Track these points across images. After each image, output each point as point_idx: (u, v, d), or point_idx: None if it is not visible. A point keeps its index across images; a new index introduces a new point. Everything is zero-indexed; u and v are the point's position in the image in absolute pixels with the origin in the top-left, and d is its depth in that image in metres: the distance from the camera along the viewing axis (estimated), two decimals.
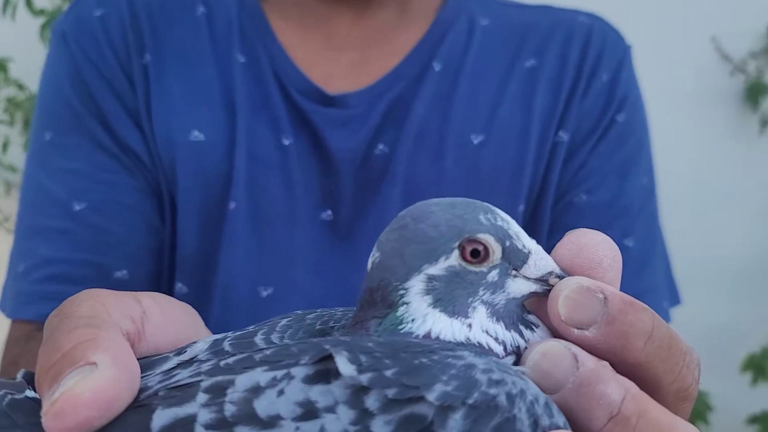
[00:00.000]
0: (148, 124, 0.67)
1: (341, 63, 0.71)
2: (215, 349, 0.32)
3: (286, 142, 0.68)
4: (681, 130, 1.64)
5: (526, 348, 0.33)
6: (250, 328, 0.35)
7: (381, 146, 0.68)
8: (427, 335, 0.33)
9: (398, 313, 0.34)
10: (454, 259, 0.34)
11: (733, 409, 1.68)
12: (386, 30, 0.72)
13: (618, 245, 0.34)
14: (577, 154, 0.71)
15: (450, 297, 0.34)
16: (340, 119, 0.68)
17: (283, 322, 0.36)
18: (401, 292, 0.34)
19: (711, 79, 1.68)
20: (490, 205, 0.36)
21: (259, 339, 0.34)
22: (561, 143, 0.70)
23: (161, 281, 0.70)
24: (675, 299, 0.75)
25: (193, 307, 0.38)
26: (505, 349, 0.33)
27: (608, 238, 0.33)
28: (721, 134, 1.71)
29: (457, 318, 0.34)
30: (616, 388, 0.29)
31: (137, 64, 0.68)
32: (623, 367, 0.30)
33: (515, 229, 0.35)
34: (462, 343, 0.33)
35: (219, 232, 0.67)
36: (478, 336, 0.33)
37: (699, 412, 1.62)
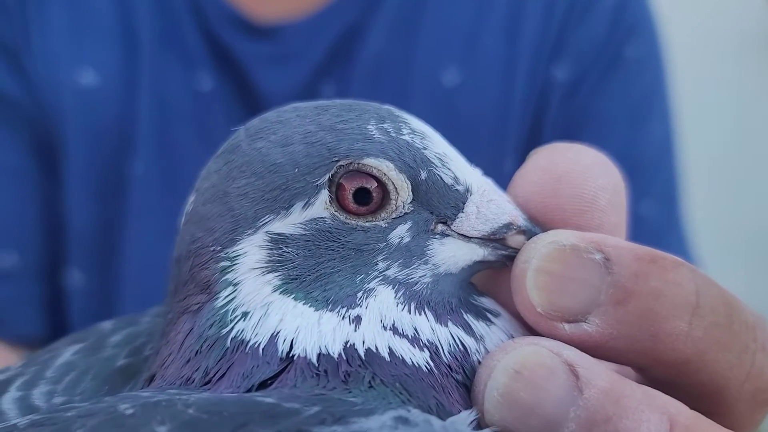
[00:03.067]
0: (28, 63, 0.57)
1: None
2: None
3: (205, 85, 0.58)
4: (722, 79, 1.59)
5: (478, 360, 0.20)
6: (11, 371, 0.22)
7: (327, 87, 0.59)
8: (272, 343, 0.20)
9: (218, 303, 0.20)
10: (320, 206, 0.20)
11: None
12: None
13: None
14: (576, 95, 0.61)
15: (316, 274, 0.20)
16: (273, 56, 0.58)
17: (67, 356, 0.23)
18: (224, 264, 0.20)
19: (755, 24, 1.61)
20: (392, 108, 0.22)
21: (8, 403, 0.20)
22: (555, 81, 0.60)
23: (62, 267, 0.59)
24: None
25: (97, 301, 0.26)
26: (435, 356, 0.20)
27: (602, 155, 0.22)
28: (765, 83, 1.64)
29: (331, 309, 0.20)
30: (655, 420, 0.18)
31: None
32: (658, 373, 0.20)
33: (440, 148, 0.22)
34: (355, 378, 0.19)
35: (121, 202, 0.57)
36: (372, 337, 0.20)
37: None
